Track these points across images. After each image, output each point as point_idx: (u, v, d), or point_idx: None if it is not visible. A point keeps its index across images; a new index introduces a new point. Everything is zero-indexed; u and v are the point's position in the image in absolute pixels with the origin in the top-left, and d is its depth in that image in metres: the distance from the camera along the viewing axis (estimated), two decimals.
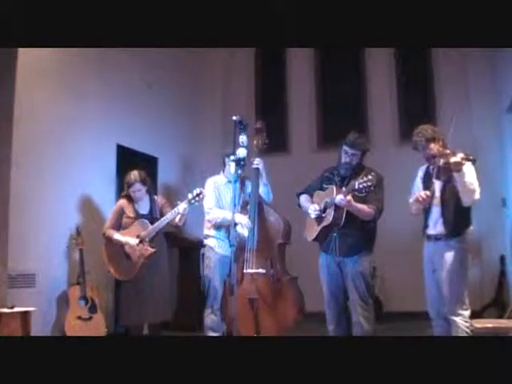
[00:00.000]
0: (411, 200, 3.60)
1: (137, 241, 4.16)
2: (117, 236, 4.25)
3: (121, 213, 4.34)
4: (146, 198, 4.38)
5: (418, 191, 3.56)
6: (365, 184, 3.38)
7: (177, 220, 4.14)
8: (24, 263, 4.50)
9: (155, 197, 4.43)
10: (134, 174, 4.31)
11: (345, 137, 3.79)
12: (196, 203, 4.04)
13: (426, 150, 3.46)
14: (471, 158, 3.16)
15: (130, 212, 4.32)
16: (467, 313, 3.39)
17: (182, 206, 4.02)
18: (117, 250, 4.24)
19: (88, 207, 5.27)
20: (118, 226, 4.32)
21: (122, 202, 4.38)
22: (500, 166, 6.29)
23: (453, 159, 3.18)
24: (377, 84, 7.47)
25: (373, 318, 3.73)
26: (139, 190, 4.31)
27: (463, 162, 3.15)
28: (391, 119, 7.37)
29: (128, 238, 4.20)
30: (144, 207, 4.35)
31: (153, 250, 4.12)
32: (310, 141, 7.69)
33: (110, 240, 4.28)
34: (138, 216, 4.28)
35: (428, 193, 3.41)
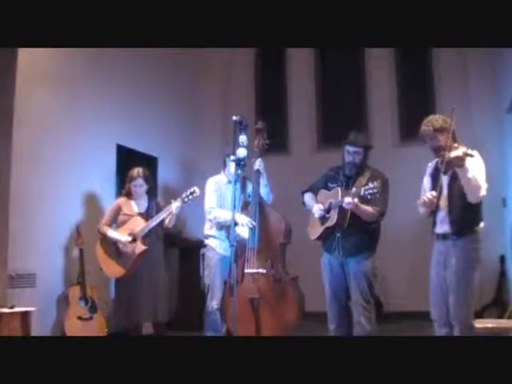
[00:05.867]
0: (418, 201, 3.41)
1: (129, 238, 4.22)
2: (111, 232, 4.33)
3: (117, 210, 4.42)
4: (145, 197, 4.44)
5: (424, 191, 3.43)
6: (370, 191, 3.37)
7: (166, 221, 4.19)
8: (24, 263, 4.49)
9: (157, 199, 4.47)
10: (138, 170, 4.41)
11: (346, 137, 3.81)
12: (189, 202, 4.10)
13: (433, 140, 3.30)
14: (471, 153, 3.02)
15: (127, 210, 4.38)
16: (471, 319, 3.24)
17: (174, 205, 4.09)
18: (110, 247, 4.32)
19: (88, 207, 5.26)
20: (114, 223, 4.40)
21: (120, 199, 4.47)
22: (500, 166, 6.28)
23: (453, 153, 3.05)
24: (377, 84, 7.47)
25: (374, 318, 3.73)
26: (140, 186, 4.37)
27: (464, 156, 3.01)
28: (391, 119, 7.37)
29: (120, 235, 4.25)
30: (142, 205, 4.40)
31: (144, 247, 4.15)
32: (310, 141, 7.69)
33: (104, 236, 4.35)
34: (135, 214, 4.31)
35: (434, 193, 3.24)
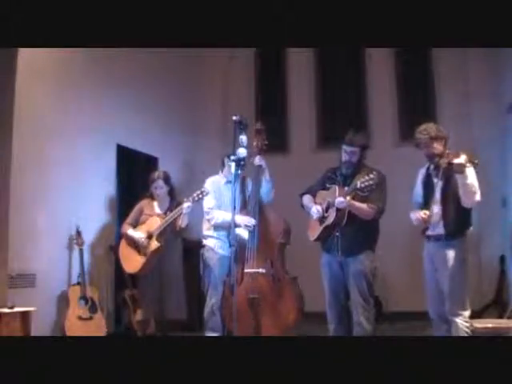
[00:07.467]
0: (412, 215, 3.56)
1: (142, 236, 4.40)
2: (130, 231, 4.51)
3: (140, 211, 4.61)
4: (167, 198, 4.62)
5: (417, 197, 3.60)
6: (367, 183, 3.41)
7: (180, 221, 4.28)
8: (24, 263, 4.50)
9: (178, 200, 4.54)
10: (159, 172, 4.65)
11: (344, 137, 3.82)
12: (200, 201, 4.22)
13: (428, 148, 3.45)
14: (475, 161, 3.15)
15: (148, 210, 4.57)
16: (467, 313, 3.39)
17: (185, 205, 4.21)
18: (130, 245, 4.49)
19: (88, 207, 5.27)
20: (136, 223, 4.57)
21: (144, 201, 4.65)
22: (500, 166, 6.28)
23: (456, 161, 3.17)
24: (377, 84, 7.46)
25: (373, 317, 3.73)
26: (161, 188, 4.56)
27: (467, 164, 3.14)
28: (391, 119, 7.36)
29: (136, 233, 4.44)
30: (163, 206, 4.58)
31: (158, 244, 4.31)
32: (310, 141, 7.68)
33: (125, 235, 4.54)
34: (154, 214, 4.50)
35: (427, 212, 3.42)
